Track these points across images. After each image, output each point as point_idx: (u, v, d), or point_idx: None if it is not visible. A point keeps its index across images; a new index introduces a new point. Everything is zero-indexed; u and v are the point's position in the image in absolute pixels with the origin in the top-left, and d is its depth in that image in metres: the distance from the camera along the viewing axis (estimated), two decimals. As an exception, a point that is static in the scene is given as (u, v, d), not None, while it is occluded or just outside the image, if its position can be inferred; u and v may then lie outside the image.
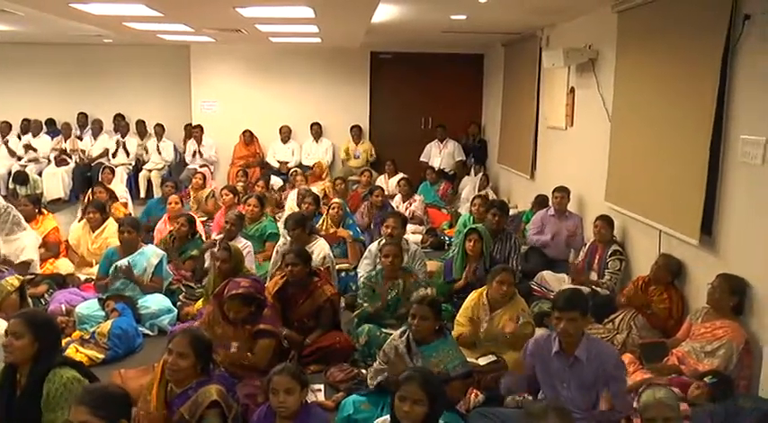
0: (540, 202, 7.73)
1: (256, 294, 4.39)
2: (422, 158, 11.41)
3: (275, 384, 3.22)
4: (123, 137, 11.39)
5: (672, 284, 5.16)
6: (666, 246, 5.39)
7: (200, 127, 11.28)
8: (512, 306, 4.76)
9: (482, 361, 4.54)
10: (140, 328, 5.31)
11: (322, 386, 4.46)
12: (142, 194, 10.98)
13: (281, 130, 11.47)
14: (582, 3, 6.53)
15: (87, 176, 10.94)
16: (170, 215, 7.37)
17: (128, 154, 11.25)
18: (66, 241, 6.90)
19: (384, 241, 5.69)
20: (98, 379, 3.27)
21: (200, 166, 10.78)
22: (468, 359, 4.26)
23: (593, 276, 6.01)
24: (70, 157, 11.18)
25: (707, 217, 4.76)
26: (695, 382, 3.89)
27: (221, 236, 6.39)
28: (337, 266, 6.27)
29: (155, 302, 5.55)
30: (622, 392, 3.65)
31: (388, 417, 3.17)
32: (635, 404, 2.73)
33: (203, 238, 6.93)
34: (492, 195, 9.48)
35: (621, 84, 6.19)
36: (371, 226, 7.74)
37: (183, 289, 6.01)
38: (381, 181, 10.33)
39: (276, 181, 10.26)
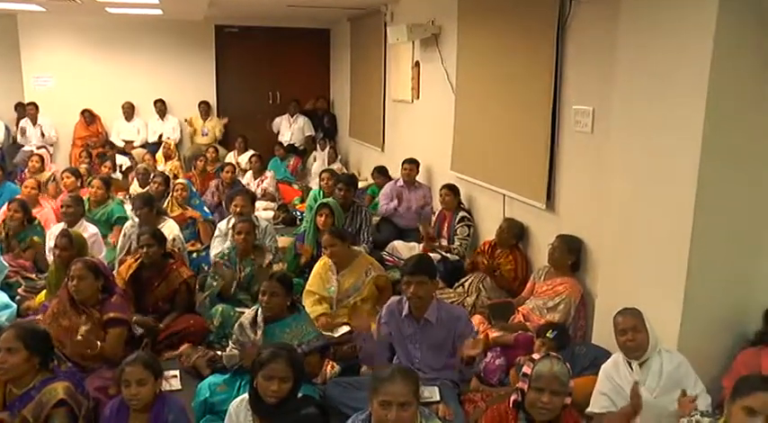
0: (380, 171, 7.89)
1: (101, 267, 4.25)
2: (272, 127, 11.34)
3: (127, 376, 3.06)
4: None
5: (516, 247, 5.44)
6: (510, 210, 5.67)
7: (34, 105, 10.45)
8: (357, 264, 4.99)
9: (336, 333, 4.62)
10: (-26, 328, 4.93)
11: (177, 372, 4.35)
12: (-31, 182, 10.09)
13: (122, 106, 10.91)
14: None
15: None
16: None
17: (-51, 138, 10.30)
18: None
19: (234, 219, 5.63)
20: None
21: (38, 148, 10.02)
22: (323, 332, 4.30)
23: (444, 243, 6.22)
24: None
25: (548, 182, 5.04)
26: (539, 339, 4.16)
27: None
28: (188, 248, 6.13)
29: (-11, 299, 5.16)
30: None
31: (246, 396, 3.15)
32: (526, 369, 2.86)
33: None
34: (342, 169, 9.55)
35: (464, 58, 6.38)
36: (222, 204, 7.58)
37: (23, 281, 5.62)
38: (231, 157, 10.13)
39: (123, 161, 9.80)
